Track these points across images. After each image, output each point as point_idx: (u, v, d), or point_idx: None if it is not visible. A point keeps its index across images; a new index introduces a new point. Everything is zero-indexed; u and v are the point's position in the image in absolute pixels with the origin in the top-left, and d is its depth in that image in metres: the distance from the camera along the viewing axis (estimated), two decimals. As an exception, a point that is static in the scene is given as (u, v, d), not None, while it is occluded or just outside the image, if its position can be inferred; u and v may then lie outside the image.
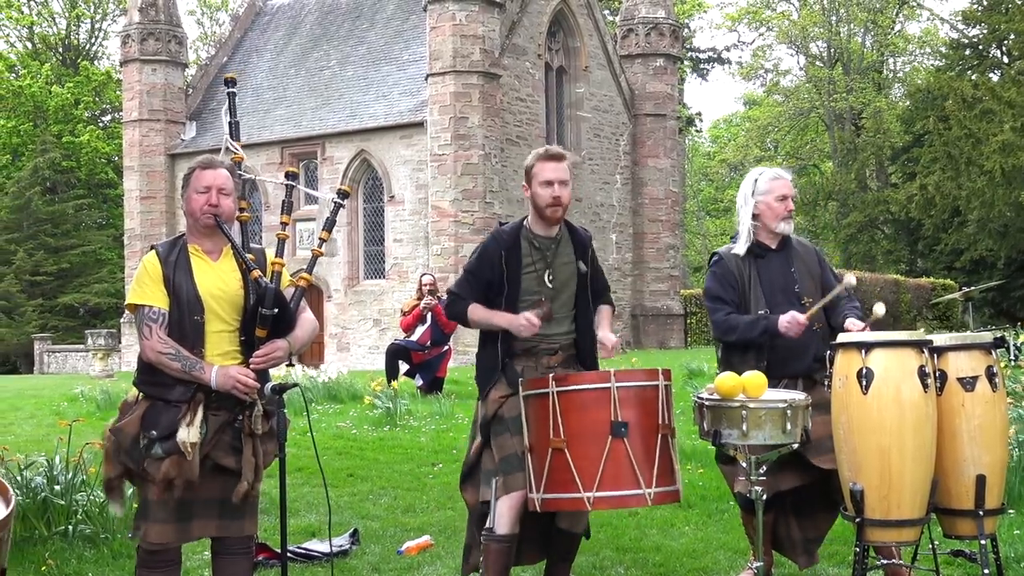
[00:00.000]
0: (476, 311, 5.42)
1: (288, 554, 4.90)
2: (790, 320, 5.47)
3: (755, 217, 5.77)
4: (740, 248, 5.77)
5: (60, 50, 54.74)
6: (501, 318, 5.32)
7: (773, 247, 5.79)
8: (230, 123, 5.16)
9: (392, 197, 30.33)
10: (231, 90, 5.32)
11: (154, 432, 4.50)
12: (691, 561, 6.57)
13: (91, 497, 7.22)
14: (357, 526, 7.52)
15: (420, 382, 15.60)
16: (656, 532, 7.39)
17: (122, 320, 35.85)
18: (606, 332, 5.54)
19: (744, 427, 4.81)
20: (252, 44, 37.41)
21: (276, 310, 4.59)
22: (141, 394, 4.67)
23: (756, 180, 5.81)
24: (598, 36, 33.12)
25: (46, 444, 10.91)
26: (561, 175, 5.33)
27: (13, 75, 50.42)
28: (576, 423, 4.81)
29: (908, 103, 47.87)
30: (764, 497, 5.00)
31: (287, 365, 4.47)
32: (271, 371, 4.88)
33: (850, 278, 5.43)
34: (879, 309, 5.27)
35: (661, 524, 7.60)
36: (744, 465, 5.02)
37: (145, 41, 34.59)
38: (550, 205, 5.34)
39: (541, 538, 5.61)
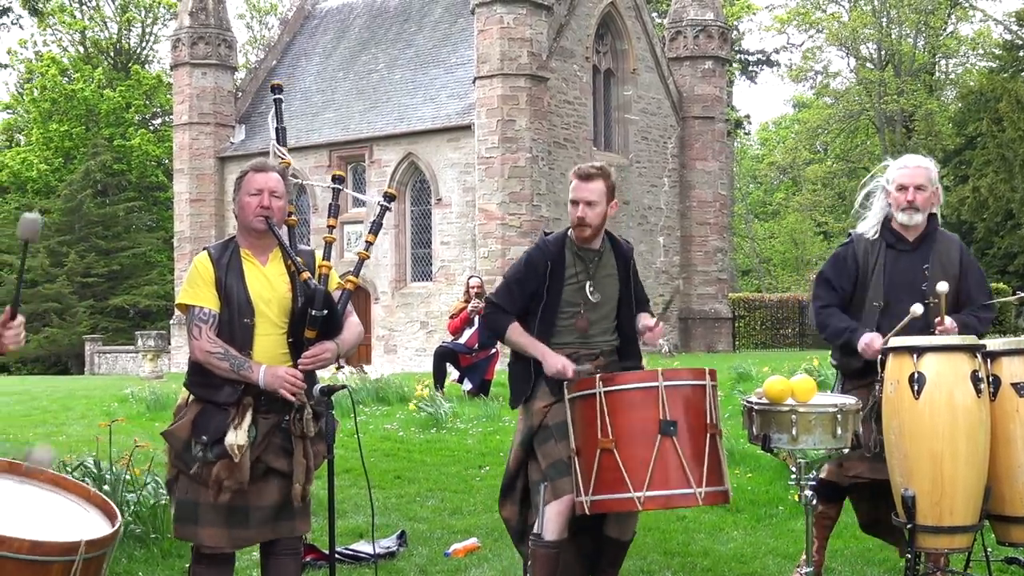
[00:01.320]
0: (515, 333, 5.37)
1: (336, 555, 4.89)
2: (868, 343, 5.42)
3: (890, 205, 5.66)
4: (871, 231, 5.68)
5: (112, 54, 55.26)
6: (538, 349, 5.28)
7: (910, 240, 5.66)
8: (277, 129, 5.22)
9: (439, 200, 30.36)
10: (277, 96, 5.35)
11: (204, 437, 4.54)
12: (740, 566, 6.53)
13: (140, 497, 7.26)
14: (404, 528, 7.53)
15: (468, 386, 15.56)
16: (704, 536, 7.34)
17: (171, 322, 36.13)
18: (646, 318, 5.49)
19: (794, 431, 4.78)
20: (301, 48, 37.57)
21: (326, 311, 4.59)
22: (192, 396, 4.70)
23: (888, 167, 5.74)
24: (646, 38, 33.01)
25: (97, 444, 10.98)
26: (586, 195, 5.29)
27: (66, 79, 50.94)
28: (624, 423, 4.80)
29: (960, 105, 47.35)
30: (815, 502, 4.95)
31: (335, 368, 4.49)
32: (319, 373, 4.88)
33: (917, 307, 5.27)
34: (917, 309, 5.21)
35: (709, 528, 7.55)
36: (794, 470, 4.96)
37: (195, 45, 34.84)
38: (575, 225, 5.33)
39: (585, 558, 5.55)
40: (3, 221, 47.51)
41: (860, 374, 5.51)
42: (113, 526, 3.91)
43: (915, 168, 5.62)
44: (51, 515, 3.92)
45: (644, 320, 5.48)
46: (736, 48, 48.62)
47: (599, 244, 5.44)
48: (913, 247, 5.64)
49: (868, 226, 5.70)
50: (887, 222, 5.66)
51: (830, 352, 5.91)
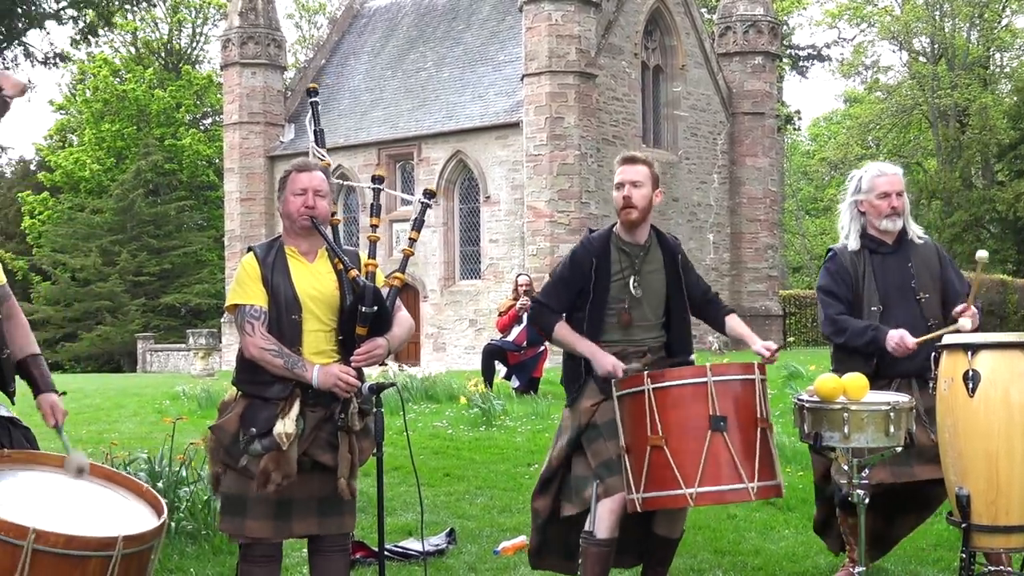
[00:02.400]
0: (562, 331, 5.37)
1: (385, 552, 4.90)
2: (899, 341, 5.40)
3: (864, 215, 5.74)
4: (852, 243, 5.74)
5: (162, 55, 55.78)
6: (586, 347, 5.27)
7: (889, 243, 5.73)
8: (315, 131, 5.31)
9: (488, 197, 30.38)
10: (314, 99, 5.43)
11: (253, 429, 4.55)
12: (791, 565, 6.48)
13: (193, 494, 7.32)
14: (453, 525, 7.53)
15: (516, 383, 15.57)
16: (755, 535, 7.29)
17: (222, 320, 36.38)
18: (757, 343, 5.38)
19: (846, 430, 4.75)
20: (349, 47, 37.72)
21: (375, 308, 4.61)
22: (239, 393, 4.72)
23: (861, 178, 5.80)
24: (695, 34, 32.87)
25: (149, 441, 11.11)
26: (631, 176, 5.30)
27: (118, 80, 51.44)
28: (674, 419, 4.76)
29: (1015, 99, 46.75)
30: (867, 500, 4.91)
31: (380, 364, 4.55)
32: (367, 370, 4.90)
33: (964, 322, 5.33)
34: (982, 254, 5.29)
35: (760, 527, 7.50)
36: (846, 468, 4.93)
37: (245, 45, 35.07)
38: (622, 208, 5.31)
39: (637, 544, 5.55)
40: (57, 220, 48.08)
41: (871, 380, 5.43)
42: (159, 519, 3.94)
43: (893, 175, 5.74)
44: (99, 510, 3.95)
45: (758, 349, 5.35)
46: (786, 43, 48.23)
47: (645, 238, 5.41)
48: (894, 248, 5.73)
49: (845, 238, 5.80)
50: (863, 231, 5.75)
51: (831, 360, 5.85)
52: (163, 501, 4.06)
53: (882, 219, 5.66)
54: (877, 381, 5.36)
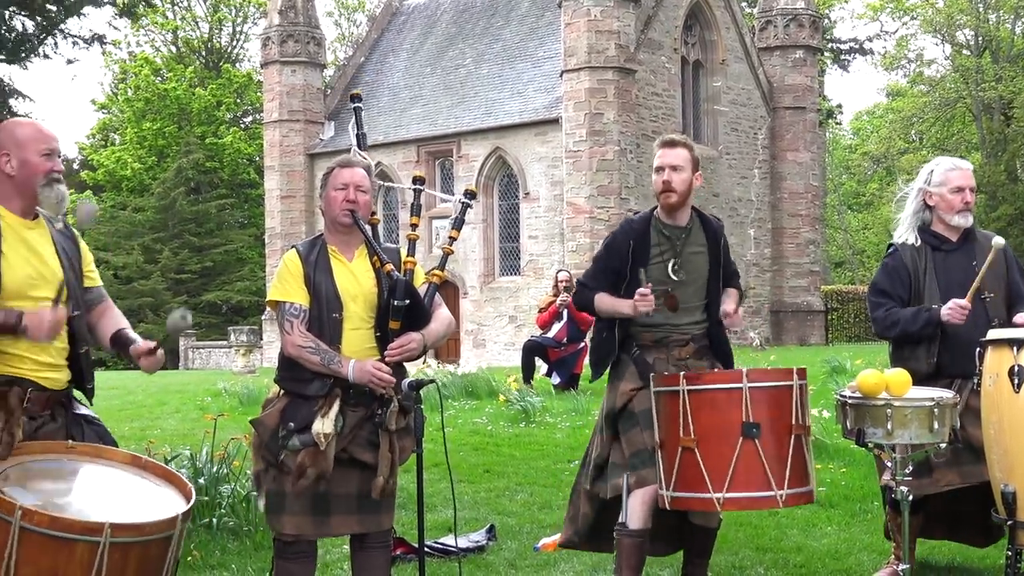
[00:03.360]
0: (603, 299, 5.36)
1: (425, 549, 4.91)
2: (951, 307, 5.32)
3: (931, 209, 5.63)
4: (911, 238, 5.64)
5: (203, 53, 56.11)
6: (624, 304, 5.23)
7: (953, 239, 5.62)
8: (357, 135, 5.42)
9: (527, 194, 30.36)
10: (356, 105, 5.56)
11: (292, 424, 4.58)
12: (833, 562, 6.41)
13: (234, 490, 7.37)
14: (493, 522, 7.53)
15: (557, 380, 15.54)
16: (797, 532, 7.23)
17: (263, 317, 36.57)
18: (730, 302, 5.42)
19: (889, 426, 4.70)
20: (389, 44, 37.79)
21: (408, 301, 4.61)
22: (281, 390, 4.76)
23: (932, 171, 5.67)
24: (735, 29, 32.70)
25: (191, 438, 11.15)
26: (670, 160, 5.27)
27: (159, 79, 51.78)
28: (707, 423, 4.75)
29: (1061, 91, 46.17)
30: (911, 498, 4.86)
31: (422, 362, 4.58)
32: (407, 367, 4.92)
33: (999, 239, 5.36)
34: (998, 240, 5.28)
35: (802, 524, 7.43)
36: (889, 464, 4.89)
37: (284, 43, 35.21)
38: (661, 191, 5.29)
39: (673, 531, 5.56)
40: (100, 219, 48.42)
41: (930, 379, 5.37)
42: (188, 503, 3.97)
43: (967, 170, 5.61)
44: (129, 500, 3.98)
45: (725, 305, 5.41)
46: (827, 37, 47.93)
47: (686, 220, 5.38)
48: (957, 245, 5.61)
49: (905, 232, 5.68)
50: (924, 226, 5.65)
51: (889, 359, 5.77)
52: (185, 506, 4.05)
53: (954, 215, 5.55)
54: (939, 380, 5.31)
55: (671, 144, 5.32)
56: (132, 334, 4.54)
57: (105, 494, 3.99)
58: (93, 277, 4.54)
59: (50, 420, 4.29)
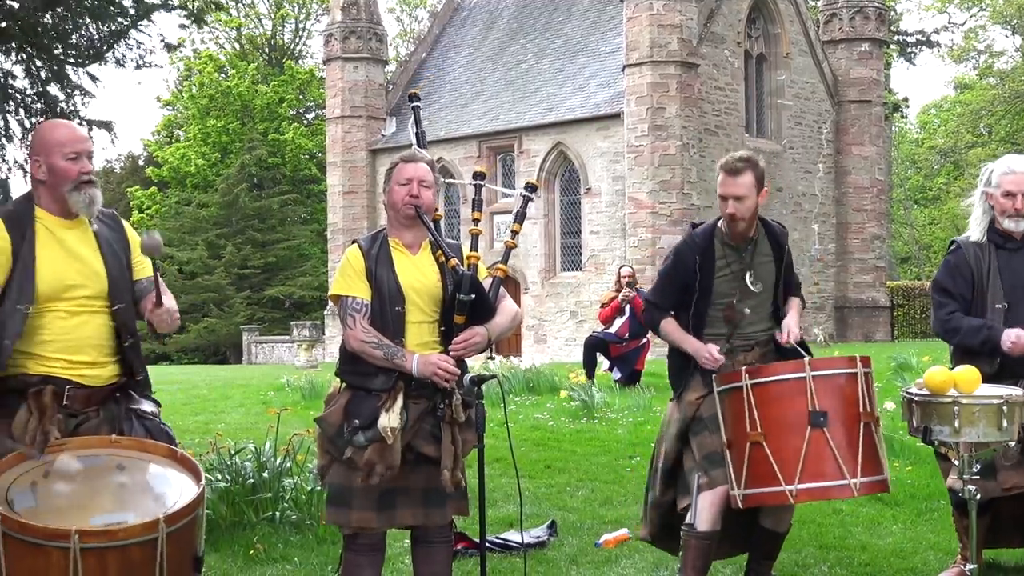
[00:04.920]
0: (668, 327, 5.39)
1: (486, 544, 4.91)
2: (1015, 340, 5.23)
3: (992, 208, 5.55)
4: (977, 236, 5.56)
5: (266, 50, 56.57)
6: (689, 344, 5.27)
7: (1017, 238, 5.52)
8: (416, 133, 5.47)
9: (588, 189, 30.27)
10: (415, 104, 5.60)
11: (357, 421, 4.59)
12: (899, 561, 6.37)
13: (297, 484, 7.43)
14: (555, 518, 7.54)
15: (618, 375, 15.48)
16: (862, 530, 7.20)
17: (325, 312, 36.78)
18: (790, 321, 5.36)
19: (956, 424, 4.67)
20: (450, 40, 37.85)
21: (473, 296, 4.62)
22: (344, 384, 4.78)
23: (992, 171, 5.59)
24: (799, 21, 32.37)
25: (254, 432, 11.24)
26: (734, 191, 5.20)
27: (222, 76, 52.26)
28: (773, 415, 4.75)
29: None
30: (978, 497, 4.77)
31: (488, 357, 4.60)
32: (469, 361, 4.91)
33: None
34: None
35: (867, 522, 7.40)
36: (956, 463, 4.84)
37: (347, 39, 35.39)
38: (727, 221, 5.26)
39: (738, 534, 5.52)
40: (165, 215, 49.02)
41: (994, 378, 5.23)
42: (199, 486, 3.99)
43: (1020, 174, 5.47)
44: (147, 498, 4.00)
45: (789, 320, 5.35)
46: (894, 29, 47.31)
47: (752, 231, 5.34)
48: (1021, 244, 5.52)
49: (973, 229, 5.60)
50: (992, 223, 5.55)
51: (951, 357, 5.67)
52: (200, 467, 4.13)
53: (1004, 218, 5.47)
54: (1002, 380, 5.19)
55: (733, 172, 5.23)
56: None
57: (123, 491, 4.01)
58: (140, 270, 4.55)
59: (93, 416, 4.32)
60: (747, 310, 5.30)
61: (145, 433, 4.34)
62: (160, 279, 4.50)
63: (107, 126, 12.36)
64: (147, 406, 4.47)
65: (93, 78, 11.66)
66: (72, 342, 4.25)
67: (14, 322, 4.13)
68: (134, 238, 4.51)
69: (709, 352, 5.14)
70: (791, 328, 5.29)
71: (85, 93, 11.74)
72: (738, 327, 5.28)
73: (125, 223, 4.57)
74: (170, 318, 4.40)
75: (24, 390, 4.17)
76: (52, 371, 4.22)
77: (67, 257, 4.26)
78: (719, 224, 5.35)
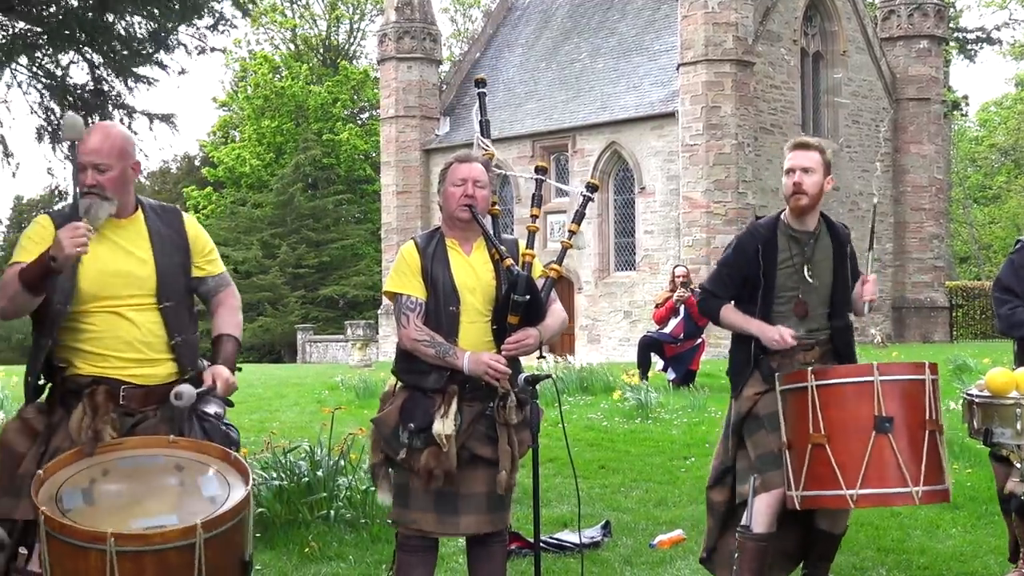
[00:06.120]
0: (729, 313, 5.30)
1: (541, 544, 4.89)
2: None
3: None
4: None
5: (320, 51, 56.90)
6: (754, 325, 5.18)
7: None
8: (480, 122, 5.36)
9: (643, 188, 30.17)
10: (481, 90, 5.48)
11: (412, 424, 4.61)
12: (958, 565, 6.31)
13: (352, 483, 7.46)
14: (609, 518, 7.53)
15: (673, 376, 15.43)
16: (921, 533, 7.14)
17: (379, 311, 36.91)
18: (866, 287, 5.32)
19: (1019, 426, 4.65)
20: (504, 39, 37.88)
21: (528, 297, 4.60)
22: (399, 384, 4.80)
23: None
24: (856, 19, 32.09)
25: (309, 430, 11.28)
26: (802, 162, 5.16)
27: (277, 76, 52.63)
28: (837, 418, 4.68)
29: None
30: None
31: (538, 356, 4.59)
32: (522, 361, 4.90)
33: None
34: None
35: (926, 525, 7.33)
36: (1018, 466, 4.78)
37: (401, 39, 35.52)
38: (791, 194, 5.18)
39: (795, 551, 5.47)
40: (220, 215, 49.45)
41: None
42: (246, 488, 3.97)
43: None
44: (194, 501, 3.98)
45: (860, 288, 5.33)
46: (953, 26, 46.75)
47: (814, 225, 5.27)
48: None
49: None
50: None
51: (1014, 358, 5.59)
52: (248, 467, 4.11)
53: None
54: None
55: (803, 147, 5.23)
56: (223, 348, 4.55)
57: (172, 494, 4.01)
58: (203, 267, 4.55)
59: (151, 415, 4.33)
60: (811, 306, 5.25)
61: (203, 434, 4.34)
62: (227, 279, 4.59)
63: (168, 119, 12.45)
64: (211, 407, 4.46)
65: (148, 80, 11.73)
66: (122, 340, 4.26)
67: (56, 322, 4.17)
68: (198, 239, 4.51)
69: (779, 333, 5.06)
70: (867, 288, 5.29)
71: (148, 81, 11.79)
72: (801, 325, 5.21)
73: (189, 219, 4.55)
74: (224, 386, 4.40)
75: (80, 391, 4.21)
76: (104, 371, 4.23)
77: (116, 255, 4.28)
78: (782, 216, 5.30)
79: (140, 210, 4.40)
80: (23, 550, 4.14)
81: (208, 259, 4.55)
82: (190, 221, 4.57)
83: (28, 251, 4.17)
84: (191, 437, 4.26)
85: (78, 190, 4.21)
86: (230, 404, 4.58)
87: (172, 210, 4.54)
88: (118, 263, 4.28)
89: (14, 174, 12.58)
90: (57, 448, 4.13)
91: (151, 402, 4.32)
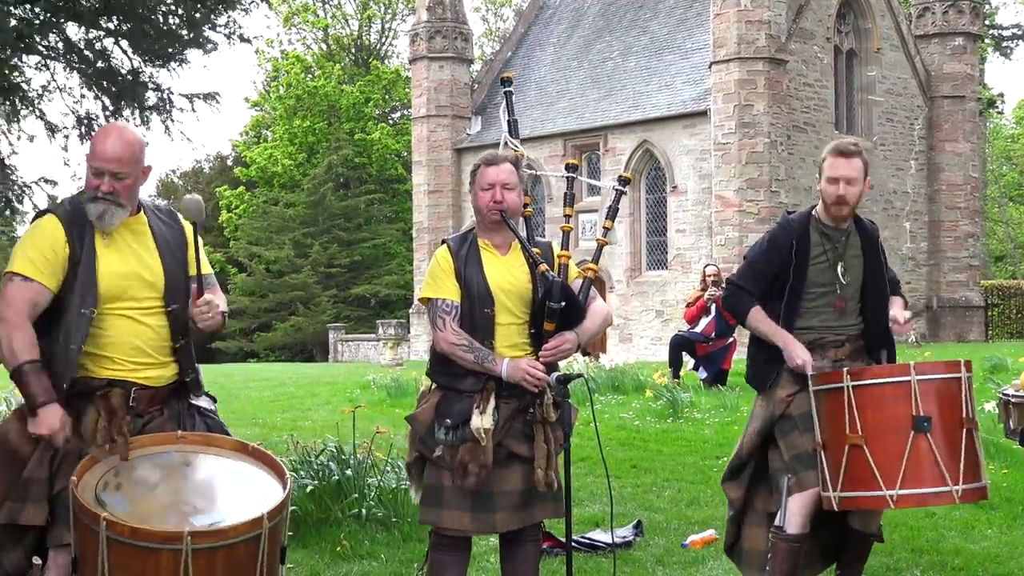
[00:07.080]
0: (757, 317, 5.25)
1: (573, 543, 4.86)
2: None
3: None
4: None
5: (352, 51, 57.00)
6: (781, 338, 5.14)
7: None
8: (509, 121, 5.39)
9: (675, 187, 30.08)
10: (508, 89, 5.48)
11: (448, 420, 4.60)
12: (994, 566, 6.26)
13: (382, 482, 7.47)
14: (641, 518, 7.52)
15: (704, 375, 15.39)
16: (955, 534, 7.09)
17: (410, 311, 36.94)
18: (898, 310, 5.30)
19: None
20: (535, 38, 37.84)
21: (563, 303, 4.59)
22: (434, 384, 4.79)
23: None
24: (891, 16, 31.88)
25: (340, 429, 11.27)
26: (847, 173, 5.11)
27: (309, 76, 52.75)
28: (874, 418, 4.64)
29: None
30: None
31: (583, 357, 4.67)
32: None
33: None
34: None
35: (961, 526, 7.29)
36: None
37: (433, 39, 35.54)
38: (834, 203, 5.14)
39: (828, 551, 5.45)
40: (252, 214, 49.61)
41: None
42: (284, 490, 4.00)
43: None
44: (231, 492, 4.04)
45: (894, 311, 5.29)
46: (989, 23, 46.39)
47: (846, 224, 5.25)
48: None
49: None
50: None
51: None
52: (285, 468, 4.15)
53: None
54: None
55: (847, 154, 5.15)
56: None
57: (207, 488, 4.08)
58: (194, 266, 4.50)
59: (158, 415, 4.35)
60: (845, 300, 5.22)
61: (206, 429, 4.38)
62: (213, 280, 4.51)
63: (212, 97, 12.46)
64: (204, 402, 4.51)
65: (183, 60, 11.73)
66: (136, 344, 4.26)
67: (80, 327, 4.15)
68: (191, 234, 4.47)
69: (802, 359, 5.02)
70: (900, 314, 5.26)
71: (182, 62, 11.80)
72: (830, 321, 5.19)
73: (185, 221, 4.50)
74: (211, 312, 4.33)
75: (90, 393, 4.20)
76: (117, 374, 4.24)
77: (125, 257, 4.28)
78: (814, 212, 5.27)
79: (143, 211, 4.40)
80: (37, 560, 4.13)
81: (194, 257, 4.51)
82: (183, 219, 4.55)
83: (35, 264, 4.14)
84: (196, 431, 4.31)
85: (91, 194, 4.19)
86: (214, 400, 4.61)
87: (169, 210, 4.55)
88: (131, 265, 4.28)
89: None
90: (68, 451, 4.11)
91: (157, 402, 4.34)
